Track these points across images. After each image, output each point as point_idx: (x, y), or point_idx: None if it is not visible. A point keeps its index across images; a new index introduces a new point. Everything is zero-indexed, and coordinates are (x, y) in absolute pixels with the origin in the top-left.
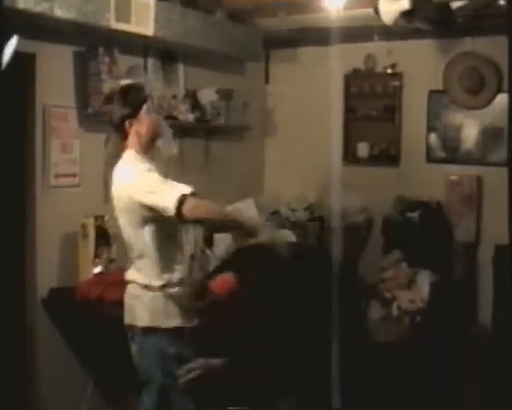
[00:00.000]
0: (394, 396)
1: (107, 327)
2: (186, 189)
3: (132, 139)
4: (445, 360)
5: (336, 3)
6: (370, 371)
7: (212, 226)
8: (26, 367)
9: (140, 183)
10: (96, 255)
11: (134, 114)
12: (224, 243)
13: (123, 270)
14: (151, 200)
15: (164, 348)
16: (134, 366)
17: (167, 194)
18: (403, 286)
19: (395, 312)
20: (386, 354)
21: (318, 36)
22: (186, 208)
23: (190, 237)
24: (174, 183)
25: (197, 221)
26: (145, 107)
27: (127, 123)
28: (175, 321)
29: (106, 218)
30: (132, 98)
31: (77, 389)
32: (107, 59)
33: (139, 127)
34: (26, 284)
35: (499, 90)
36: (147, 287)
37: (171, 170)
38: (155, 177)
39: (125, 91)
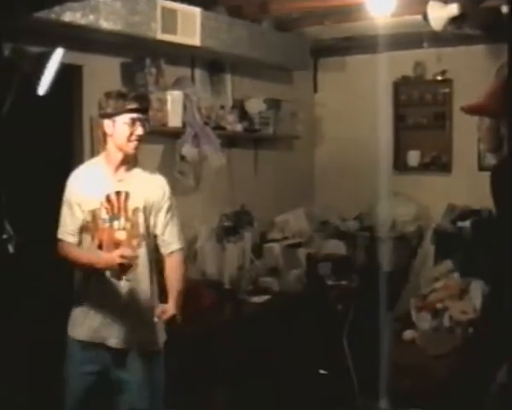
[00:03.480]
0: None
1: None
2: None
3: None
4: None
5: (384, 11)
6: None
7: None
8: None
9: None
10: None
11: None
12: (274, 252)
13: None
14: None
15: None
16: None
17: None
18: (454, 297)
19: (447, 323)
20: (439, 365)
21: (366, 44)
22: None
23: (239, 247)
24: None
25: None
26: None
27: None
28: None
29: None
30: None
31: None
32: (153, 70)
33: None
34: None
35: None
36: None
37: (220, 180)
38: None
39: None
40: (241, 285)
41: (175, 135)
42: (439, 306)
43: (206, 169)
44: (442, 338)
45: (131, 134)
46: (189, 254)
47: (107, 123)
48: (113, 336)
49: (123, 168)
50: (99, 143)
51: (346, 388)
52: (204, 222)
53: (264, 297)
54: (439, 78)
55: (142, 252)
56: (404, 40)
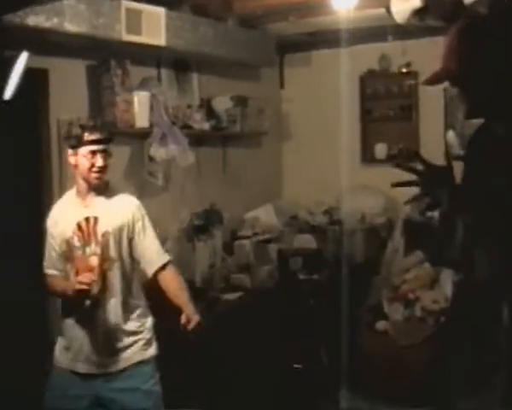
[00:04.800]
0: (420, 397)
1: None
2: None
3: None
4: (470, 358)
5: (346, 4)
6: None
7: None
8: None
9: None
10: None
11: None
12: (245, 249)
13: None
14: None
15: None
16: None
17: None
18: (426, 287)
19: (418, 313)
20: (411, 355)
21: (331, 38)
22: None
23: (209, 246)
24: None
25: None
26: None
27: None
28: None
29: None
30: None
31: None
32: (119, 71)
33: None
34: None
35: None
36: None
37: (189, 179)
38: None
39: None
40: (213, 283)
41: (143, 136)
42: (410, 296)
43: (174, 169)
44: (414, 328)
45: (92, 166)
46: None
47: (70, 153)
48: (90, 362)
49: (91, 194)
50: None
51: (322, 381)
52: (174, 222)
53: (237, 294)
54: (405, 70)
55: (116, 275)
56: (369, 33)
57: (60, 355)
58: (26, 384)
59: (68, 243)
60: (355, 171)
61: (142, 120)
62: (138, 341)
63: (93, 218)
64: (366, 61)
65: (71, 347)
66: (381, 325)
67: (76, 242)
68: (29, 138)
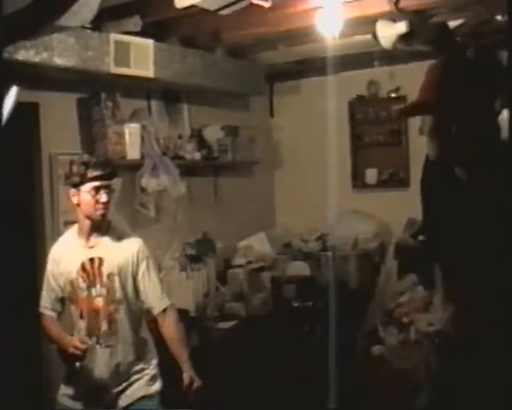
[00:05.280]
0: None
1: None
2: None
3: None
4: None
5: (331, 31)
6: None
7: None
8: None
9: None
10: None
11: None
12: (238, 277)
13: None
14: None
15: None
16: None
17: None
18: (420, 310)
19: (413, 335)
20: (408, 378)
21: (320, 66)
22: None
23: (203, 275)
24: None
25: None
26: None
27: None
28: None
29: None
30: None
31: None
32: (110, 104)
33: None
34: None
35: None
36: None
37: (181, 209)
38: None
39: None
40: (208, 312)
41: (134, 167)
42: (404, 320)
43: (166, 199)
44: (410, 351)
45: (97, 202)
46: None
47: (72, 192)
48: (94, 401)
49: (95, 234)
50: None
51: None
52: (167, 252)
53: (231, 323)
54: (393, 95)
55: (121, 316)
56: (357, 60)
57: (62, 395)
58: None
59: (73, 284)
60: (346, 196)
61: (133, 152)
62: (143, 377)
63: (98, 258)
64: (355, 87)
65: (75, 386)
66: (376, 349)
67: (81, 283)
68: (21, 173)
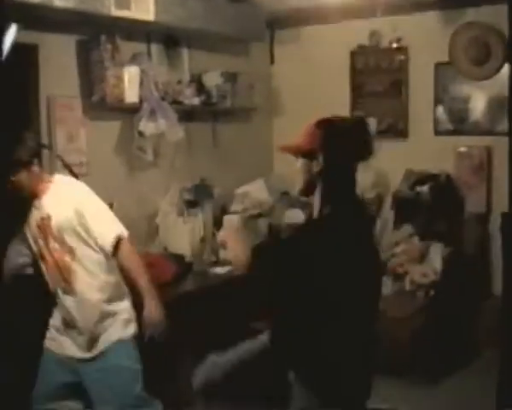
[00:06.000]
0: (409, 370)
1: None
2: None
3: None
4: (459, 331)
5: None
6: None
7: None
8: None
9: None
10: None
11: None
12: (233, 224)
13: None
14: None
15: None
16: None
17: None
18: (415, 260)
19: (408, 286)
20: (401, 328)
21: (322, 14)
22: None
23: (200, 220)
24: None
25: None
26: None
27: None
28: None
29: (115, 204)
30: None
31: None
32: (109, 46)
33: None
34: None
35: (506, 60)
36: None
37: (179, 154)
38: None
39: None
40: (204, 257)
41: (132, 111)
42: (399, 270)
43: (164, 144)
44: (403, 302)
45: None
46: (150, 228)
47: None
48: (73, 346)
49: (40, 196)
50: None
51: None
52: (164, 196)
53: (226, 268)
54: (395, 45)
55: (78, 265)
56: (359, 9)
57: (48, 339)
58: None
59: (36, 243)
60: None
61: (131, 96)
62: (117, 320)
63: (47, 215)
64: (356, 36)
65: (56, 330)
66: None
67: (41, 242)
68: (19, 114)
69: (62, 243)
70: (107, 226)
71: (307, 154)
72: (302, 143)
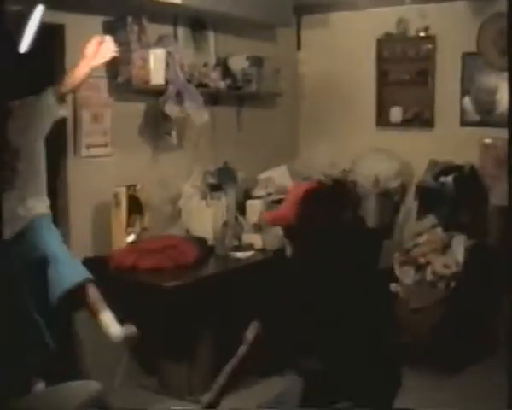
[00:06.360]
0: (428, 361)
1: (141, 295)
2: None
3: None
4: (480, 324)
5: None
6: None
7: None
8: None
9: None
10: (129, 224)
11: None
12: (257, 209)
13: (156, 238)
14: None
15: None
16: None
17: None
18: (437, 251)
19: (429, 277)
20: (421, 318)
21: (349, 0)
22: None
23: (223, 204)
24: None
25: None
26: None
27: None
28: None
29: (138, 187)
30: None
31: (113, 357)
32: (135, 28)
33: None
34: None
35: None
36: None
37: (204, 138)
38: None
39: None
40: (226, 241)
41: (157, 93)
42: (421, 260)
43: (189, 127)
44: (425, 292)
45: None
46: (173, 211)
47: None
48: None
49: None
50: None
51: None
52: (187, 179)
53: (248, 253)
54: (422, 34)
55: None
56: None
57: None
58: None
59: None
60: (370, 134)
61: (157, 78)
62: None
63: None
64: (384, 24)
65: None
66: (392, 287)
67: None
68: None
69: None
70: None
71: (287, 224)
72: (284, 214)
